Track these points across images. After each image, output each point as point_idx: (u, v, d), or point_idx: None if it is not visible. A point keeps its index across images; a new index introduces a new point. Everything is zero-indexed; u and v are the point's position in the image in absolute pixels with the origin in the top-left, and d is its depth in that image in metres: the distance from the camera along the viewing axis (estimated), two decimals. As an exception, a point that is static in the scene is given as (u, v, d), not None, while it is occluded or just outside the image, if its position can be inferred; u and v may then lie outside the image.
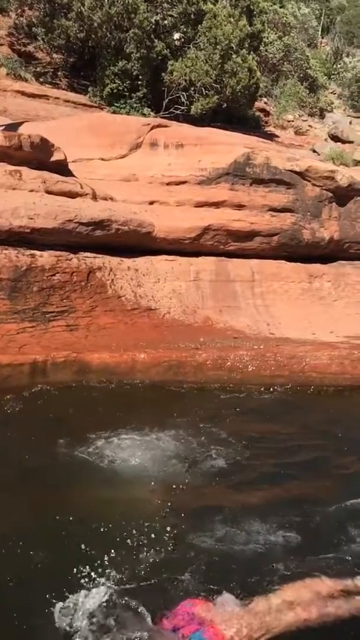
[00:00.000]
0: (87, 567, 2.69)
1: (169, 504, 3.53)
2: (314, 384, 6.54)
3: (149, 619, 2.38)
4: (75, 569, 2.67)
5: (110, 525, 3.20)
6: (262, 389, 6.30)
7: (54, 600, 2.50)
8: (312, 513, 3.49)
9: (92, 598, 2.47)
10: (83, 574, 2.65)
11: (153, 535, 3.12)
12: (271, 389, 6.33)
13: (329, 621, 2.38)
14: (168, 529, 3.22)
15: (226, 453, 4.38)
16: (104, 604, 2.46)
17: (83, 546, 2.89)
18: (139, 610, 2.43)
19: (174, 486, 3.72)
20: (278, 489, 3.96)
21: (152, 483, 3.75)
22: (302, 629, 2.38)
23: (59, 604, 2.47)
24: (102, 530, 3.11)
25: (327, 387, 6.56)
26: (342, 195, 9.22)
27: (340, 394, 6.55)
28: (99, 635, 2.28)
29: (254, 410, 5.77)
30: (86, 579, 2.62)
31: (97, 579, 2.63)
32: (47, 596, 2.52)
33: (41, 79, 12.65)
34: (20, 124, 8.76)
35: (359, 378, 6.76)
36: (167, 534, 3.17)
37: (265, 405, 5.97)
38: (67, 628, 2.37)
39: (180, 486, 3.75)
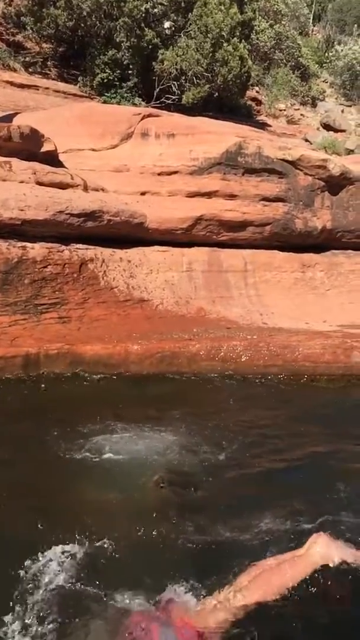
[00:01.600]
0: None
1: (164, 495, 3.54)
2: (307, 373, 6.56)
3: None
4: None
5: (102, 518, 3.20)
6: (255, 379, 6.32)
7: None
8: (307, 503, 3.49)
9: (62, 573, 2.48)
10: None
11: (146, 523, 3.13)
12: (265, 379, 6.35)
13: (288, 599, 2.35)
14: (162, 519, 3.23)
15: (220, 443, 4.38)
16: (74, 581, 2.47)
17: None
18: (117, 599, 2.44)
19: (169, 477, 3.72)
20: (274, 480, 3.96)
21: (147, 475, 3.74)
22: (301, 629, 2.40)
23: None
24: (91, 522, 3.10)
25: (320, 376, 6.58)
26: (334, 184, 9.20)
27: (333, 382, 6.57)
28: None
29: (248, 400, 5.78)
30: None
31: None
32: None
33: (30, 69, 12.52)
34: (14, 114, 8.66)
35: (352, 367, 6.78)
36: (160, 524, 3.18)
37: (258, 395, 5.99)
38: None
39: (176, 477, 3.75)
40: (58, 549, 2.72)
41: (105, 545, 2.87)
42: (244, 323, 7.67)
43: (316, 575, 2.37)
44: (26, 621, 2.32)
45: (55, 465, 3.88)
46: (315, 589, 2.37)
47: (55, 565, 2.63)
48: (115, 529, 3.03)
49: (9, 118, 8.40)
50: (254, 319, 7.86)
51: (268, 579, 2.30)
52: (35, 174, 6.93)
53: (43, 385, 5.50)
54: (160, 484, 3.59)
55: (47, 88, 11.70)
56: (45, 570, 2.60)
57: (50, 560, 2.65)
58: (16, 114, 8.78)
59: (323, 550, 2.39)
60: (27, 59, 12.78)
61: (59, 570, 2.59)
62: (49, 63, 13.12)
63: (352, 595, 2.44)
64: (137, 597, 2.45)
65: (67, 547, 2.76)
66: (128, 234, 7.60)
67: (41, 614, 2.35)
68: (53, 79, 12.62)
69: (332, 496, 3.63)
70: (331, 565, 2.36)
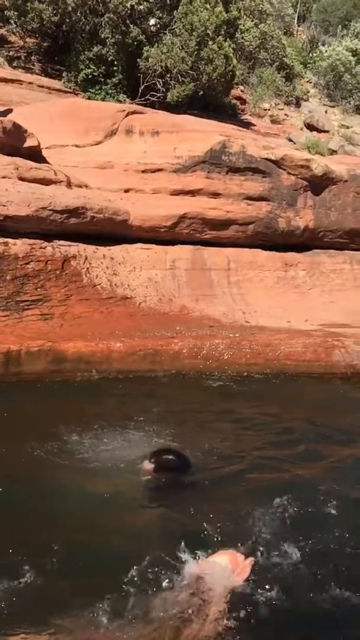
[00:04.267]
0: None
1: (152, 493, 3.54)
2: (288, 372, 6.61)
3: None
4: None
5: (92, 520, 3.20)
6: (237, 377, 6.35)
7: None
8: (291, 498, 3.52)
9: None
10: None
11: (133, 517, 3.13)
12: (247, 377, 6.38)
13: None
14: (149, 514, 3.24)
15: (202, 441, 4.39)
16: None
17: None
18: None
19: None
20: (259, 475, 3.97)
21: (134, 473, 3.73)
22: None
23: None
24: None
25: (302, 375, 6.63)
26: (317, 184, 9.27)
27: (314, 381, 6.63)
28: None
29: (229, 399, 5.81)
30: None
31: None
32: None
33: (14, 64, 12.40)
34: (9, 110, 8.51)
35: (333, 365, 6.85)
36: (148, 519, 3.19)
37: (240, 393, 6.02)
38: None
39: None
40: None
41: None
42: (227, 321, 7.70)
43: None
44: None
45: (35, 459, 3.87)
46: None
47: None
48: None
49: (4, 113, 8.27)
50: (236, 317, 7.89)
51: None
52: (17, 169, 6.87)
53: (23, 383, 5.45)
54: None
55: (30, 83, 11.59)
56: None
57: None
58: (10, 110, 8.63)
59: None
60: (11, 53, 12.66)
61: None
62: (32, 58, 13.00)
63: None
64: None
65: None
66: (111, 231, 7.58)
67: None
68: (37, 74, 12.50)
69: (314, 491, 3.67)
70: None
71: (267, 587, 2.61)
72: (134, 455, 3.88)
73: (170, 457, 3.67)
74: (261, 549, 2.90)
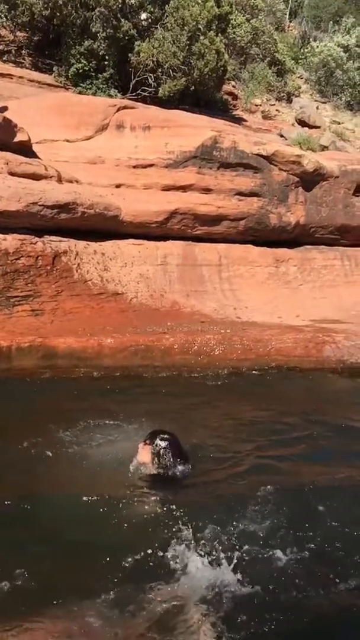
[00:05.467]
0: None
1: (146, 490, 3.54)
2: (279, 367, 6.62)
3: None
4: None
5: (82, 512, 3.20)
6: (228, 372, 6.35)
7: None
8: (286, 492, 3.53)
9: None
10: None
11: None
12: (238, 373, 6.39)
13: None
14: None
15: (196, 437, 4.39)
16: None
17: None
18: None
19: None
20: (253, 470, 3.98)
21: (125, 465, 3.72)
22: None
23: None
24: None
25: (292, 370, 6.65)
26: (308, 180, 9.28)
27: (305, 376, 6.65)
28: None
29: (221, 394, 5.81)
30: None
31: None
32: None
33: (4, 58, 12.30)
34: (4, 108, 8.38)
35: (323, 361, 6.88)
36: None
37: (231, 389, 6.02)
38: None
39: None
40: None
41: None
42: (218, 317, 7.70)
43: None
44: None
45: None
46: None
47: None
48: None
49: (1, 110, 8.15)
50: (227, 313, 7.90)
51: None
52: (7, 164, 6.83)
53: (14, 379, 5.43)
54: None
55: (21, 77, 11.49)
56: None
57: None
58: (5, 107, 8.49)
59: None
60: (1, 47, 12.55)
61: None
62: (23, 52, 12.90)
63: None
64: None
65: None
66: (102, 227, 7.56)
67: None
68: (27, 68, 12.40)
69: (309, 487, 3.69)
70: None
71: (260, 582, 2.63)
72: (125, 450, 3.88)
73: (166, 435, 3.66)
74: (257, 543, 2.91)
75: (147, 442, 3.63)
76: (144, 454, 3.60)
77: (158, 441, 3.60)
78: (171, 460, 3.57)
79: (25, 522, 3.10)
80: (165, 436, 3.65)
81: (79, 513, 3.22)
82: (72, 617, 2.40)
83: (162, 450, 3.56)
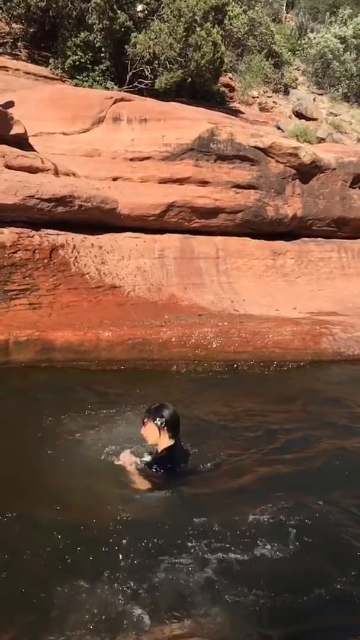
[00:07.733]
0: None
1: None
2: (277, 360, 6.65)
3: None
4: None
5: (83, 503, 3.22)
6: (226, 365, 6.37)
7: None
8: (284, 488, 3.55)
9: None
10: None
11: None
12: (235, 365, 6.41)
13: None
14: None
15: (193, 428, 4.41)
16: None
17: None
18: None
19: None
20: (252, 465, 3.99)
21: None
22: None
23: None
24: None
25: (290, 362, 6.68)
26: (305, 172, 9.27)
27: (302, 368, 6.67)
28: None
29: (218, 387, 5.84)
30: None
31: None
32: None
33: (0, 50, 12.23)
34: (11, 103, 8.31)
35: (321, 353, 6.90)
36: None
37: (229, 381, 6.05)
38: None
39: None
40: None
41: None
42: (215, 310, 7.71)
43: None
44: None
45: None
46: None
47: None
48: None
49: (5, 106, 8.07)
50: (225, 305, 7.91)
51: None
52: (4, 157, 6.81)
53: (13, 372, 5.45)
54: None
55: (17, 69, 11.43)
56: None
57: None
58: (12, 102, 8.42)
59: None
60: (-4, 39, 12.47)
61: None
62: (19, 44, 12.82)
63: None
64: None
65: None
66: (99, 220, 7.55)
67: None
68: (23, 61, 12.33)
69: (305, 479, 3.71)
70: None
71: (260, 579, 2.65)
72: (123, 440, 3.91)
73: (164, 407, 3.67)
74: (256, 539, 2.93)
75: (146, 419, 3.63)
76: (150, 430, 3.60)
77: (164, 411, 3.61)
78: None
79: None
80: (163, 406, 3.68)
81: (75, 502, 3.24)
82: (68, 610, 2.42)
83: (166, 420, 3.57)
